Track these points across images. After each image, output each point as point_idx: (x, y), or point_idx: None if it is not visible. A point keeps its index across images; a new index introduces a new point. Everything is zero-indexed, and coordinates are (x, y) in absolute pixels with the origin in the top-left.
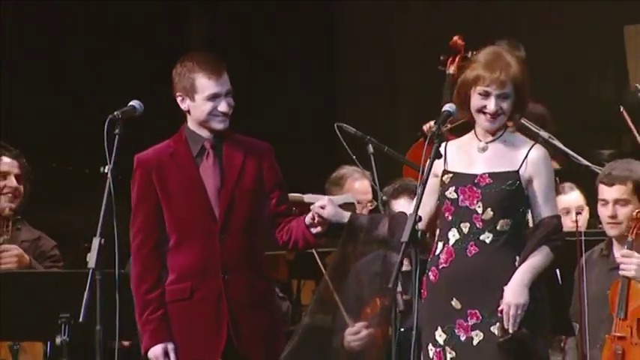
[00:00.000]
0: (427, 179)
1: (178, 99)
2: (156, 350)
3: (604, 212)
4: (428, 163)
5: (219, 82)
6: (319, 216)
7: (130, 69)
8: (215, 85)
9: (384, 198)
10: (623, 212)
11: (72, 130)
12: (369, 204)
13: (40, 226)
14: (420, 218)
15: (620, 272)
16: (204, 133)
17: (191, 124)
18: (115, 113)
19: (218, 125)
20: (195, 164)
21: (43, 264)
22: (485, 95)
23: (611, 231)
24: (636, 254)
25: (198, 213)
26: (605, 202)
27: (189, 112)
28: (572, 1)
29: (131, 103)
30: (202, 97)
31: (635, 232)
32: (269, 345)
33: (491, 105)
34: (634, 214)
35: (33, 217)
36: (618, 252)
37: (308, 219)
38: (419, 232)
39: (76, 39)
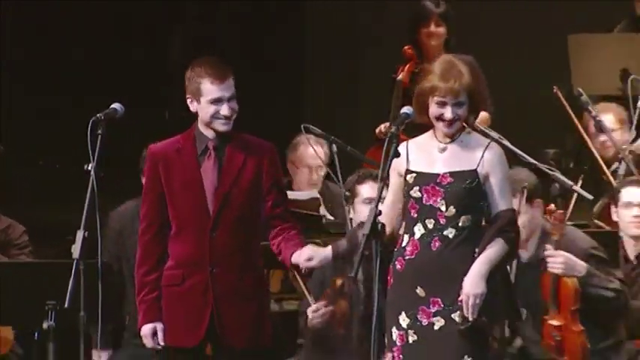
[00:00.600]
0: (387, 177)
1: (188, 101)
2: (145, 329)
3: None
4: (387, 162)
5: (221, 86)
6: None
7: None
8: (218, 89)
9: (347, 193)
10: None
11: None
12: (318, 169)
13: (29, 222)
14: (380, 212)
15: (549, 269)
16: (210, 134)
17: (200, 124)
18: (98, 115)
19: (221, 127)
20: (197, 162)
21: (11, 251)
22: (442, 104)
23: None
24: (561, 252)
25: (194, 208)
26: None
27: (197, 113)
28: (521, 2)
29: (113, 105)
30: (206, 101)
31: (558, 232)
32: (253, 335)
33: (448, 113)
34: (557, 214)
35: (23, 213)
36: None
37: (295, 259)
38: (379, 225)
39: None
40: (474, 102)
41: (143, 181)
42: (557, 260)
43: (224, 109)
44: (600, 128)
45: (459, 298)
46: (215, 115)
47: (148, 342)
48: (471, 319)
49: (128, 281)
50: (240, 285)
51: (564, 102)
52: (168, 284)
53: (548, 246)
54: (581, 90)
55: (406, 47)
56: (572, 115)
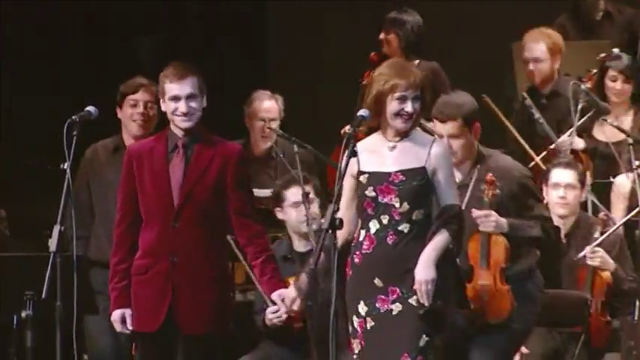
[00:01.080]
0: (344, 175)
1: (160, 101)
2: (115, 314)
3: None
4: (344, 161)
5: (179, 85)
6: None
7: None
8: (175, 87)
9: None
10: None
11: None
12: (271, 122)
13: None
14: (338, 208)
15: (481, 228)
16: (180, 133)
17: (171, 124)
18: (73, 117)
19: (181, 124)
20: (167, 159)
21: None
22: (403, 100)
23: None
24: (493, 212)
25: (159, 201)
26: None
27: (166, 113)
28: (469, 2)
29: (87, 108)
30: (167, 98)
31: (490, 193)
32: (211, 323)
33: (408, 107)
34: (488, 177)
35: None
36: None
37: (276, 298)
38: (337, 221)
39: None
40: (424, 99)
41: None
42: (491, 219)
43: (181, 106)
44: (543, 130)
45: (414, 287)
46: (174, 112)
47: (118, 327)
48: (426, 304)
49: (96, 204)
50: (200, 275)
51: (494, 107)
52: (136, 273)
53: (474, 211)
54: (525, 94)
55: (372, 54)
56: (504, 119)
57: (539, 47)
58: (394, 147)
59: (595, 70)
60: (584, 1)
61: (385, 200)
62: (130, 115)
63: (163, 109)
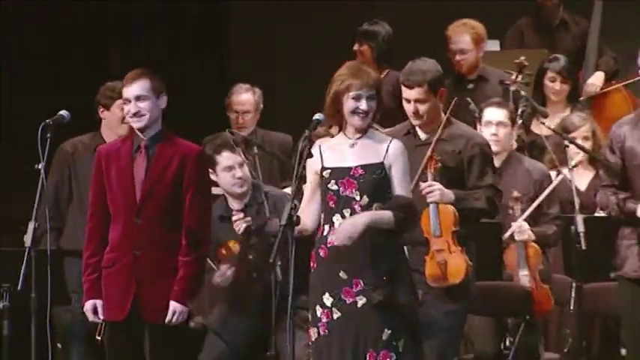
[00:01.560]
0: (299, 174)
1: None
2: (87, 305)
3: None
4: (301, 162)
5: (128, 88)
6: None
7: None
8: (125, 91)
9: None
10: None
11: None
12: (245, 114)
13: None
14: (296, 205)
15: (429, 200)
16: (141, 134)
17: None
18: (47, 121)
19: (134, 124)
20: (131, 159)
21: None
22: (358, 98)
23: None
24: (436, 183)
25: (124, 198)
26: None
27: None
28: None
29: (60, 112)
30: (121, 102)
31: (432, 166)
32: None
33: (363, 105)
34: (428, 153)
35: None
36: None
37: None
38: (295, 217)
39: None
40: (379, 99)
41: None
42: (435, 189)
43: (131, 108)
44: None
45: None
46: (127, 114)
47: (90, 316)
48: (336, 243)
49: (76, 197)
50: (161, 267)
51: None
52: (105, 266)
53: (421, 184)
54: (469, 99)
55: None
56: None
57: (464, 39)
58: (354, 144)
59: (515, 74)
60: (545, 7)
61: (346, 193)
62: (120, 118)
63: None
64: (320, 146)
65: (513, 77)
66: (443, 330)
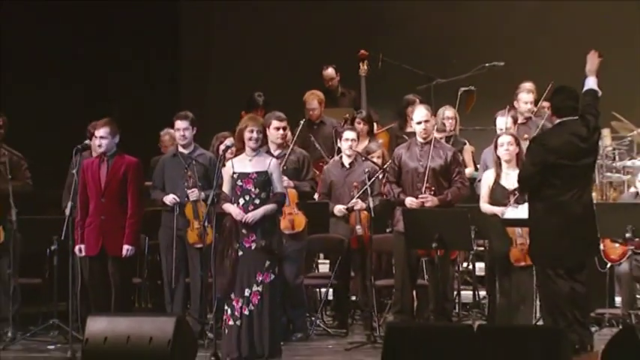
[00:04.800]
0: (221, 175)
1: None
2: (76, 248)
3: None
4: (220, 169)
5: (97, 130)
6: None
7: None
8: (96, 132)
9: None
10: None
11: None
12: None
13: None
14: (219, 193)
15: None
16: (104, 155)
17: None
18: (78, 146)
19: (99, 150)
20: (99, 166)
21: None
22: (251, 132)
23: None
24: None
25: (94, 189)
26: None
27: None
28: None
29: (85, 142)
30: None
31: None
32: (121, 250)
33: (254, 137)
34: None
35: None
36: None
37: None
38: (215, 198)
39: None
40: (265, 136)
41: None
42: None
43: (98, 142)
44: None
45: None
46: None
47: (77, 253)
48: (243, 220)
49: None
50: (116, 224)
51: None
52: (86, 226)
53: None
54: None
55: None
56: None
57: (314, 102)
58: (251, 159)
59: (347, 115)
60: (331, 87)
61: (247, 187)
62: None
63: None
64: (233, 161)
65: (342, 123)
66: (294, 259)
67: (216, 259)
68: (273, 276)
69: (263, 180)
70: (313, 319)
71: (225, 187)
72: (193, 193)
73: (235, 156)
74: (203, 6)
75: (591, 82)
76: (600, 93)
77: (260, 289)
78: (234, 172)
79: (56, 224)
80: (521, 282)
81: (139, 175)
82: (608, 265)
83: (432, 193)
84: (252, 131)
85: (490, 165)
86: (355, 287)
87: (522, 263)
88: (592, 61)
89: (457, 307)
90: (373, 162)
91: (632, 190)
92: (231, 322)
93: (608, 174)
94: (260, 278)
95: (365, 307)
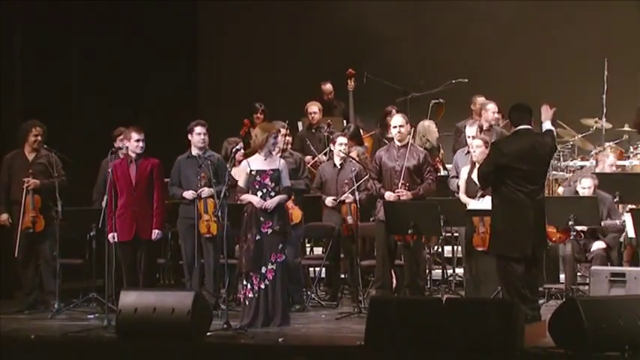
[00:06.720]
0: (230, 172)
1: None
2: (109, 236)
3: None
4: (230, 167)
5: (134, 135)
6: None
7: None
8: (133, 136)
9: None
10: None
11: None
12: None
13: None
14: (235, 185)
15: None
16: (133, 155)
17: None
18: (112, 149)
19: (137, 151)
20: (128, 166)
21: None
22: (275, 137)
23: None
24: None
25: (125, 185)
26: None
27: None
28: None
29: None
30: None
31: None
32: (151, 233)
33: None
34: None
35: None
36: None
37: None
38: (230, 185)
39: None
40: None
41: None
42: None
43: (130, 144)
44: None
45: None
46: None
47: (110, 240)
48: (263, 207)
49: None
50: (147, 215)
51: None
52: (118, 216)
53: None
54: (329, 122)
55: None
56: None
57: (315, 108)
58: (265, 159)
59: (330, 120)
60: (329, 99)
61: (265, 181)
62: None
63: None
64: (249, 160)
65: (328, 129)
66: (294, 243)
67: (239, 243)
68: (284, 257)
69: (277, 176)
70: (309, 293)
71: (241, 182)
72: (204, 192)
73: (245, 157)
74: (219, 30)
75: (548, 125)
76: (555, 131)
77: (274, 267)
78: (251, 170)
79: (94, 214)
80: (483, 263)
81: (162, 173)
82: (549, 244)
83: (407, 188)
84: (276, 136)
85: (461, 164)
86: (344, 267)
87: (481, 248)
88: (545, 113)
89: (429, 283)
90: (358, 162)
91: (571, 186)
92: (250, 295)
93: (554, 172)
94: (274, 258)
95: (352, 283)
